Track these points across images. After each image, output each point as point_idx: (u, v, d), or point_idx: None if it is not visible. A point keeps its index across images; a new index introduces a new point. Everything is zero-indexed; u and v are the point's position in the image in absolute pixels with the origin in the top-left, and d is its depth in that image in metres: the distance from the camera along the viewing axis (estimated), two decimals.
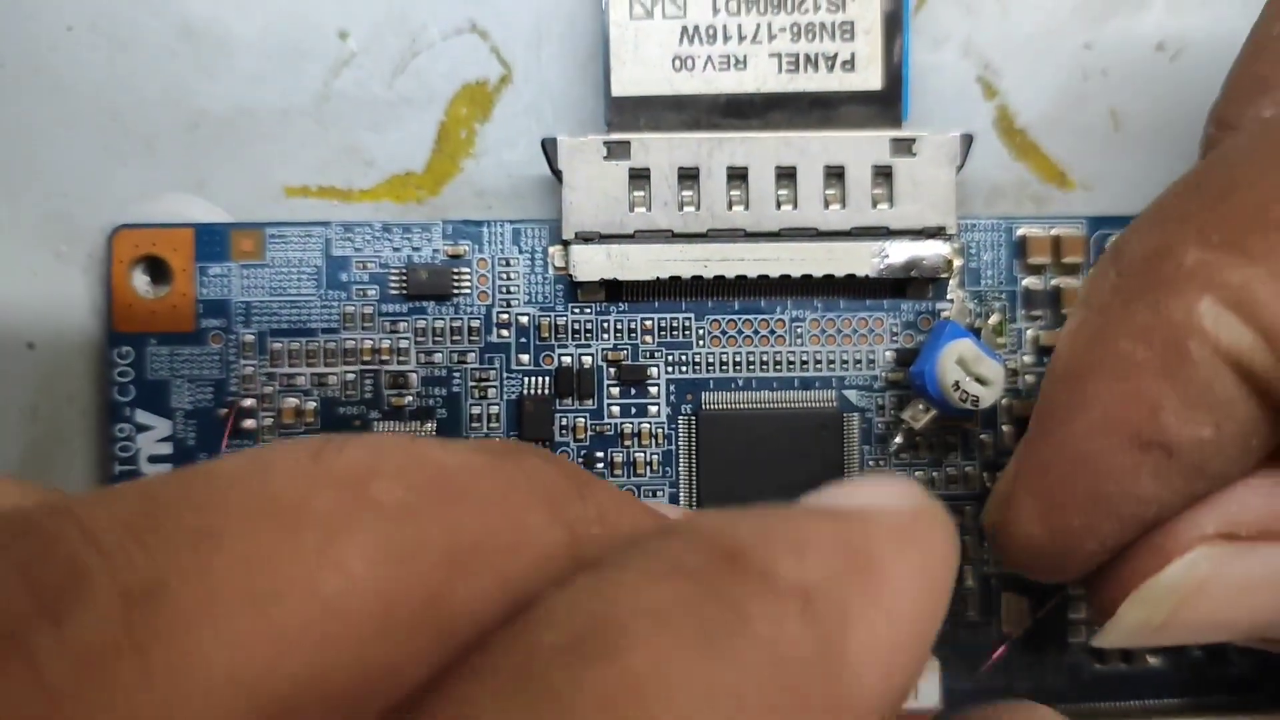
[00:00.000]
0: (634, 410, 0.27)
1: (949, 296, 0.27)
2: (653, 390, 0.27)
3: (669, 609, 0.11)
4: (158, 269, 0.26)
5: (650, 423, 0.27)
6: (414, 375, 0.26)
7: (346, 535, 0.11)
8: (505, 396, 0.26)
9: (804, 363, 0.27)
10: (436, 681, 0.11)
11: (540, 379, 0.27)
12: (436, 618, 0.11)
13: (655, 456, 0.27)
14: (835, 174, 0.26)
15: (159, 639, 0.10)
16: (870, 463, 0.27)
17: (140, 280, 0.26)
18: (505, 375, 0.27)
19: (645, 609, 0.11)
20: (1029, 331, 0.27)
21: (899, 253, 0.26)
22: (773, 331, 0.27)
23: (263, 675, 0.10)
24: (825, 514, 0.13)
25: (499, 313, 0.27)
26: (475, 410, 0.26)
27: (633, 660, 0.10)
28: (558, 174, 0.25)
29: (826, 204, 0.26)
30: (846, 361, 0.27)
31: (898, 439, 0.27)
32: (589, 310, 0.27)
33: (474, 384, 0.26)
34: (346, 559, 0.11)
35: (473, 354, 0.27)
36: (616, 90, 0.26)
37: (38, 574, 0.10)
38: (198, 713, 0.10)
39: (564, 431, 0.27)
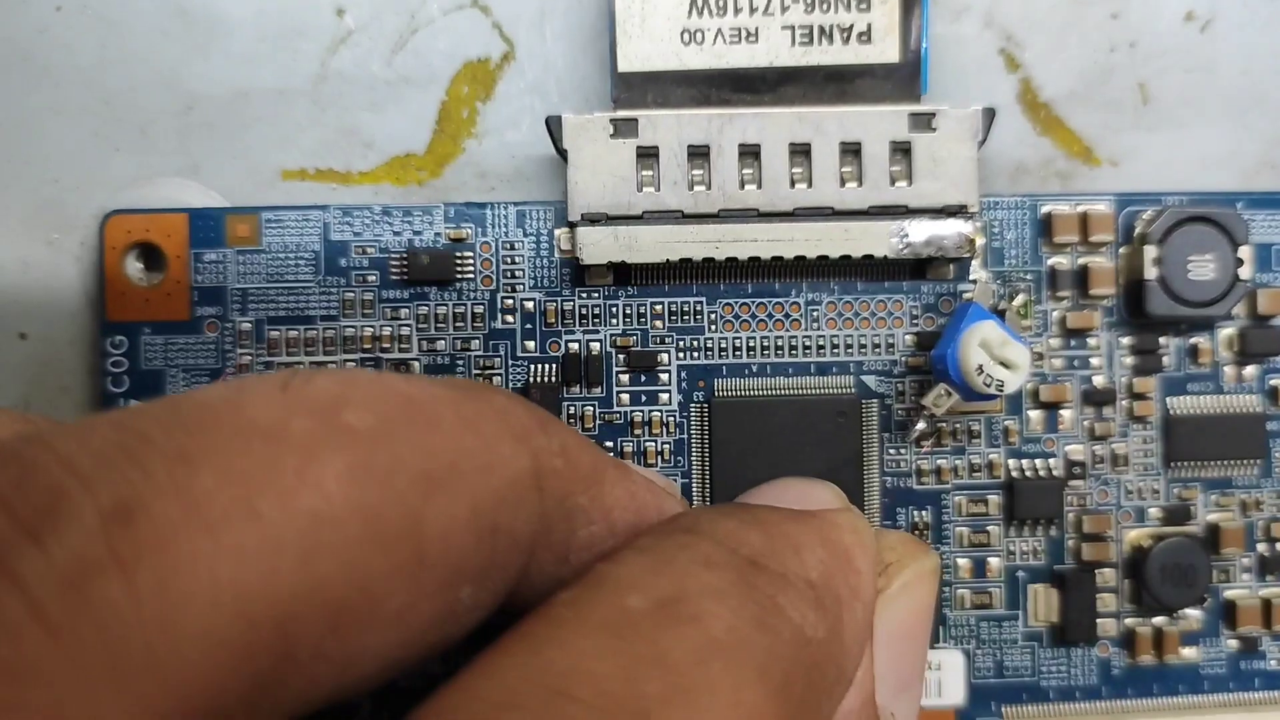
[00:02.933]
0: (644, 398, 0.26)
1: (971, 277, 0.26)
2: (663, 377, 0.26)
3: (726, 592, 0.13)
4: (151, 256, 0.26)
5: (661, 411, 0.26)
6: (416, 363, 0.26)
7: (322, 457, 0.11)
8: (510, 384, 0.26)
9: (820, 347, 0.26)
10: (519, 624, 0.12)
11: (547, 366, 0.26)
12: (415, 537, 0.12)
13: (666, 446, 0.26)
14: (852, 151, 0.25)
15: (143, 555, 0.10)
16: (890, 450, 0.26)
17: (134, 267, 0.26)
18: (510, 363, 0.26)
19: (707, 590, 0.13)
20: (1055, 313, 0.26)
21: (919, 232, 0.25)
22: (787, 315, 0.26)
23: (254, 586, 0.11)
24: (801, 515, 0.16)
25: (503, 298, 0.26)
26: None
27: (712, 626, 0.12)
28: (563, 153, 0.24)
29: (843, 182, 0.25)
30: (865, 346, 0.26)
31: (919, 426, 0.26)
32: (596, 294, 0.26)
33: (478, 372, 0.26)
34: (324, 479, 0.11)
35: (476, 341, 0.26)
36: (623, 65, 0.25)
37: (16, 498, 0.10)
38: (190, 624, 0.10)
39: (572, 420, 0.26)
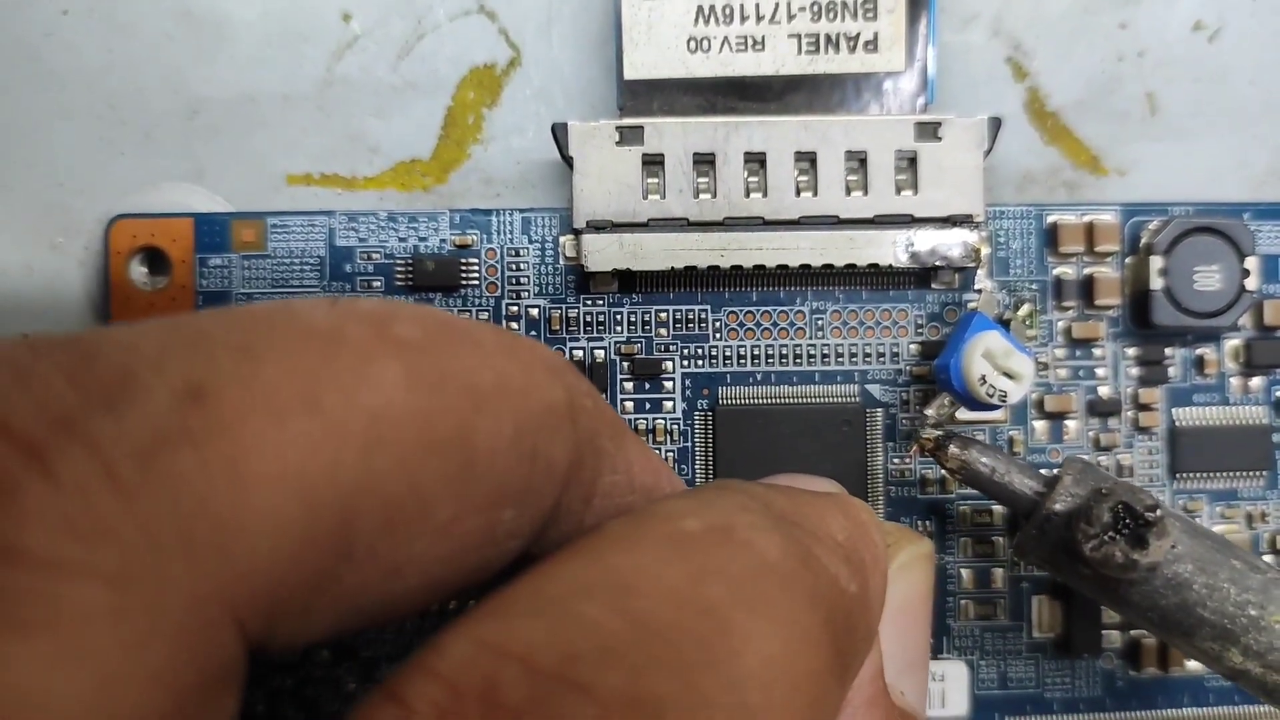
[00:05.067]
0: (648, 405, 0.26)
1: (976, 287, 0.26)
2: (668, 385, 0.26)
3: (769, 529, 0.13)
4: (156, 260, 0.25)
5: (665, 418, 0.26)
6: None
7: (379, 360, 0.11)
8: None
9: (825, 356, 0.26)
10: (580, 538, 0.13)
11: None
12: (465, 448, 0.12)
13: (671, 453, 0.26)
14: (857, 159, 0.25)
15: (213, 433, 0.10)
16: (895, 459, 0.26)
17: (138, 272, 0.25)
18: None
19: (753, 525, 0.13)
20: (1060, 323, 0.26)
21: (924, 241, 0.25)
22: (792, 324, 0.26)
23: (318, 473, 0.11)
24: (818, 493, 0.17)
25: (508, 304, 0.26)
26: None
27: (765, 552, 0.13)
28: (569, 160, 0.24)
29: (848, 191, 0.25)
30: (869, 355, 0.26)
31: (923, 435, 0.25)
32: (601, 302, 0.26)
33: None
34: (383, 380, 0.11)
35: None
36: (629, 73, 0.25)
37: (85, 375, 0.10)
38: (258, 505, 0.10)
39: None
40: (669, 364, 0.26)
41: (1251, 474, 0.26)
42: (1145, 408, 0.26)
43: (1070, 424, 0.26)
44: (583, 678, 0.10)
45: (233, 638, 0.10)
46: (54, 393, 0.10)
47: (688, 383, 0.26)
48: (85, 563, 0.09)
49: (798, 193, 0.25)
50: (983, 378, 0.23)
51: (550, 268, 0.26)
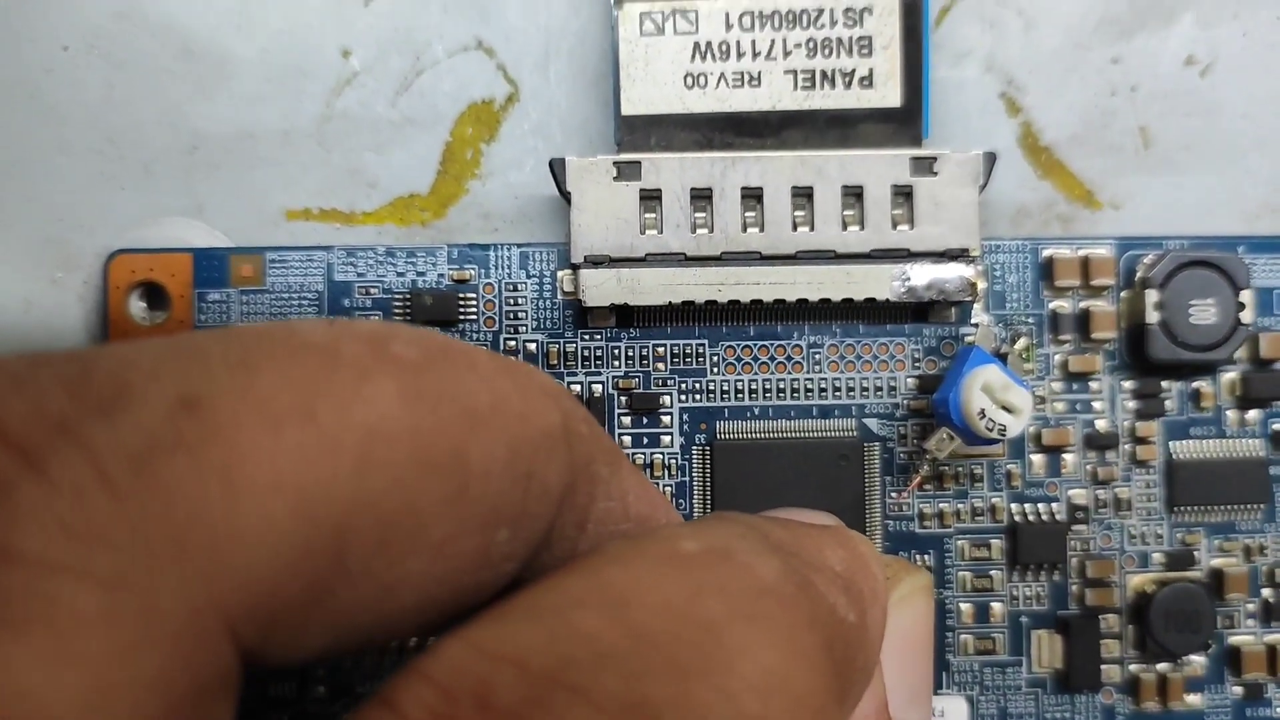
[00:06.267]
0: (646, 440, 0.26)
1: (973, 321, 0.26)
2: (665, 419, 0.26)
3: (768, 555, 0.13)
4: (155, 295, 0.26)
5: (663, 453, 0.26)
6: None
7: (375, 378, 0.12)
8: None
9: (822, 390, 0.26)
10: (576, 559, 0.13)
11: None
12: (459, 468, 0.12)
13: (669, 488, 0.26)
14: (853, 194, 0.25)
15: (207, 440, 0.10)
16: (893, 494, 0.26)
17: (137, 307, 0.26)
18: None
19: (752, 550, 0.13)
20: (1057, 357, 0.26)
21: (920, 276, 0.25)
22: (789, 358, 0.26)
23: (314, 485, 0.11)
24: (817, 525, 0.17)
25: (506, 339, 0.26)
26: None
27: (763, 574, 0.13)
28: (566, 195, 0.25)
29: (845, 225, 0.25)
30: (867, 389, 0.26)
31: (921, 469, 0.25)
32: (599, 337, 0.26)
33: None
34: (378, 397, 0.11)
35: None
36: (626, 109, 0.25)
37: (82, 385, 0.10)
38: (253, 512, 0.10)
39: None
40: (667, 398, 0.26)
41: (1249, 507, 0.26)
42: (1142, 441, 0.26)
43: (1068, 457, 0.26)
44: (578, 681, 0.10)
45: (226, 646, 0.10)
46: (50, 399, 0.10)
47: (685, 417, 0.26)
48: (79, 564, 0.09)
49: (794, 227, 0.25)
50: (981, 411, 0.23)
51: (548, 302, 0.26)
